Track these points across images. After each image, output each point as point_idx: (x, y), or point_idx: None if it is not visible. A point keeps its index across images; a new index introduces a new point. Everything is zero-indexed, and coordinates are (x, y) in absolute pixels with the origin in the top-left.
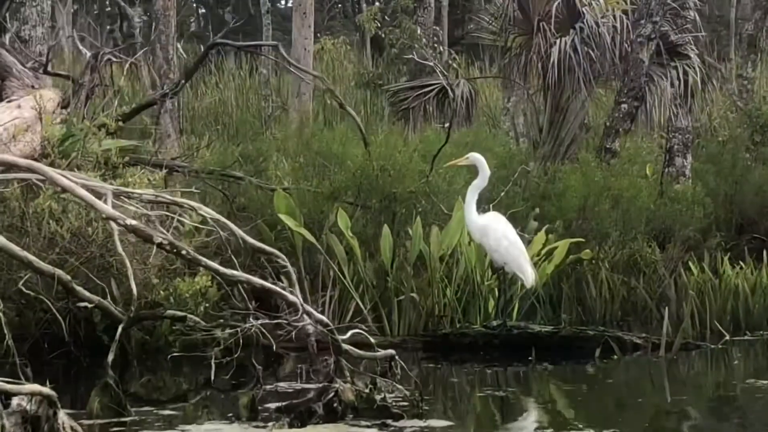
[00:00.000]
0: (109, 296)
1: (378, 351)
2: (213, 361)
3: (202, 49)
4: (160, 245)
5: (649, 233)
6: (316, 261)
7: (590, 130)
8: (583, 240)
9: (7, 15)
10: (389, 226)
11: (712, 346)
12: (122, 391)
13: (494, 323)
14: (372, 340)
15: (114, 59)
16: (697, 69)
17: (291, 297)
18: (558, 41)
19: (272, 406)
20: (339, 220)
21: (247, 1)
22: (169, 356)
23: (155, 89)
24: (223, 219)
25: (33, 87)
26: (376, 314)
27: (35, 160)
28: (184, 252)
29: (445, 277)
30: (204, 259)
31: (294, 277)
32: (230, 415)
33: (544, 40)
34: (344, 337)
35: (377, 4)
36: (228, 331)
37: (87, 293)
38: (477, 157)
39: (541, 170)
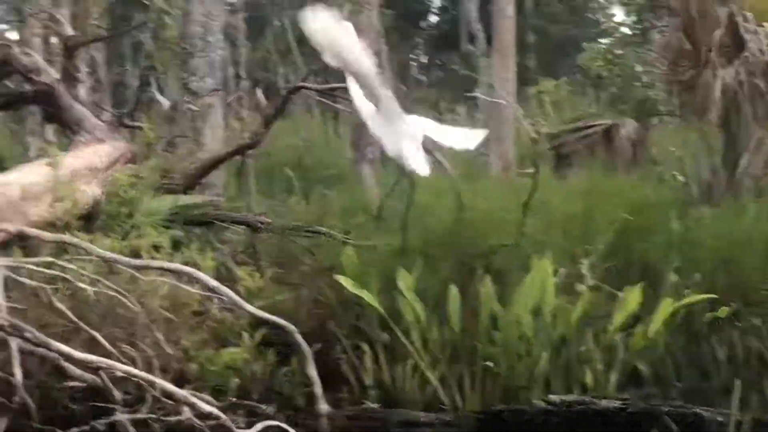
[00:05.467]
0: None
1: None
2: None
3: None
4: None
5: None
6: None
7: None
8: (716, 296)
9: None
10: (465, 286)
11: None
12: None
13: (556, 398)
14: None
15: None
16: None
17: (163, 384)
18: (721, 74)
19: None
20: (400, 280)
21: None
22: None
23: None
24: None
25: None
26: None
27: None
28: None
29: (532, 341)
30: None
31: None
32: None
33: (712, 73)
34: (252, 430)
35: (599, 41)
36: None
37: None
38: None
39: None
